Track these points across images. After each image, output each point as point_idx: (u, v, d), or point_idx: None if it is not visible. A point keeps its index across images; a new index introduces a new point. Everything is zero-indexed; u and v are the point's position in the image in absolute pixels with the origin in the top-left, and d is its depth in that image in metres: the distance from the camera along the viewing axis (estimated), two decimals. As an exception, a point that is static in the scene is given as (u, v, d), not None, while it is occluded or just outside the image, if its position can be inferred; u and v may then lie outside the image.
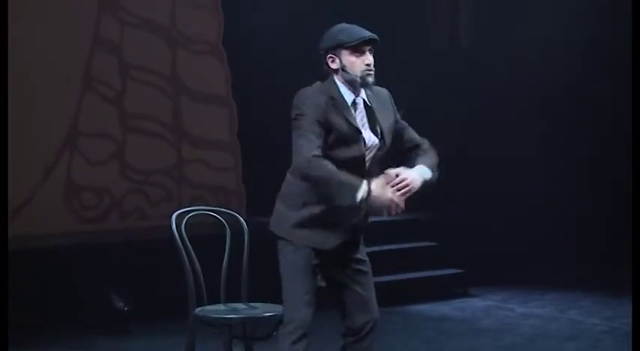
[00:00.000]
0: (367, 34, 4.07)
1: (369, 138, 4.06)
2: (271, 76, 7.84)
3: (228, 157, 8.47)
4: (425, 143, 4.32)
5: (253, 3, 8.36)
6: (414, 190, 4.04)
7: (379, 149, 4.09)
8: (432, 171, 4.22)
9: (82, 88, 7.83)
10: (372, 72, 4.07)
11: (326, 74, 4.12)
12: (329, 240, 4.05)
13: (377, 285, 7.64)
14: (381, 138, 4.09)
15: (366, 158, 4.04)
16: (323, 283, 4.11)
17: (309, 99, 3.98)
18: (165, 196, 8.15)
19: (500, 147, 9.21)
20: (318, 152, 3.88)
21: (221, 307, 4.67)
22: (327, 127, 3.94)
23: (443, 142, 9.47)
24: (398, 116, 4.25)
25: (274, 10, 8.20)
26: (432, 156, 4.28)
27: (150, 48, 8.15)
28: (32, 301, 6.57)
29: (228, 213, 4.84)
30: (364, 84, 4.06)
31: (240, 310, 4.63)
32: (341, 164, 3.91)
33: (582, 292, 7.98)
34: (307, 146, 3.88)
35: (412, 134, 4.30)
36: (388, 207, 3.90)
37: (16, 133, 6.10)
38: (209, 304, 4.66)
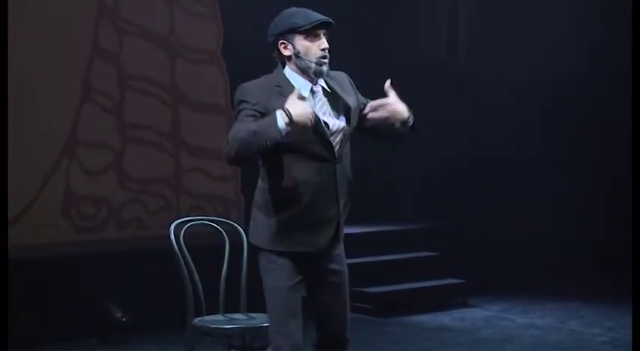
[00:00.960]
0: (323, 16, 3.81)
1: (333, 123, 3.84)
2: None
3: (227, 166, 8.40)
4: None
5: (253, 12, 8.34)
6: (398, 114, 3.95)
7: (346, 132, 3.89)
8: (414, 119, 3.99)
9: (81, 98, 7.81)
10: (326, 59, 3.82)
11: (275, 63, 3.90)
12: (318, 238, 3.86)
13: (377, 295, 7.72)
14: (347, 121, 3.89)
15: (334, 143, 3.83)
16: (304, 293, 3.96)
17: (248, 95, 3.76)
18: (163, 205, 8.12)
19: (501, 158, 9.21)
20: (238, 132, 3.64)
21: (220, 317, 4.65)
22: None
23: (443, 152, 9.57)
24: (361, 97, 4.04)
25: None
26: None
27: (149, 57, 8.13)
28: (29, 311, 6.54)
29: (227, 223, 4.82)
30: (318, 72, 3.81)
31: (239, 320, 4.60)
32: (304, 151, 3.75)
33: (583, 303, 7.96)
34: (230, 133, 3.67)
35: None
36: (311, 115, 3.65)
37: (14, 142, 6.07)
38: (208, 314, 4.64)
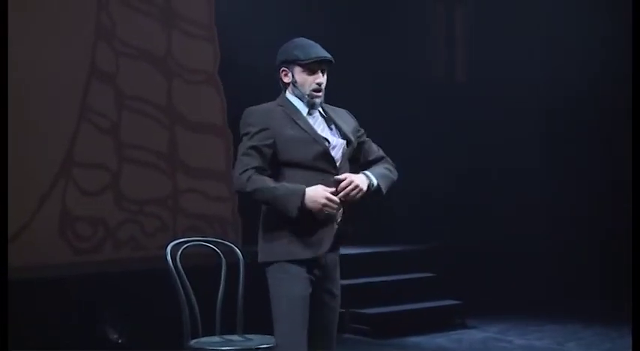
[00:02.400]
0: (322, 53, 4.04)
1: (332, 139, 4.01)
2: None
3: (224, 187, 8.44)
4: (385, 158, 4.23)
5: (250, 33, 8.37)
6: (360, 193, 3.94)
7: (347, 147, 4.04)
8: (380, 180, 4.04)
9: (78, 118, 7.81)
10: (320, 93, 4.04)
11: (279, 86, 4.11)
12: (324, 241, 3.95)
13: (374, 316, 7.70)
14: (345, 138, 4.05)
15: (336, 157, 3.98)
16: None
17: (254, 117, 3.98)
18: (160, 226, 8.10)
19: (498, 179, 9.22)
20: (252, 168, 3.87)
21: (216, 338, 4.62)
22: (279, 139, 3.92)
23: (440, 172, 9.57)
24: (361, 131, 4.21)
25: (271, 39, 8.20)
26: (387, 168, 4.15)
27: (146, 78, 8.14)
28: (25, 332, 6.50)
29: (224, 243, 4.80)
30: (311, 104, 4.03)
31: (235, 341, 4.58)
32: (308, 165, 3.91)
33: (582, 324, 7.93)
34: (241, 165, 3.89)
35: (374, 147, 4.24)
36: (325, 207, 3.84)
37: (12, 163, 6.06)
38: (204, 335, 4.61)
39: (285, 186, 3.87)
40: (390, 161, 4.22)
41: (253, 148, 3.91)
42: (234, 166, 3.95)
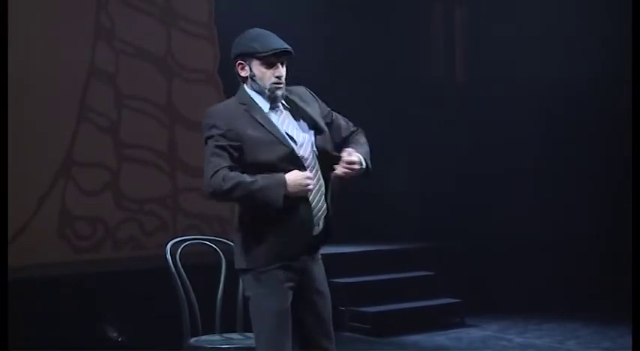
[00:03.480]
0: (282, 45, 3.81)
1: (298, 135, 3.82)
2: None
3: (224, 186, 8.45)
4: (359, 130, 4.08)
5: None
6: (358, 172, 3.85)
7: (317, 139, 3.87)
8: (369, 160, 3.97)
9: (78, 118, 7.81)
10: (281, 84, 3.83)
11: (237, 81, 3.94)
12: (297, 247, 3.78)
13: (374, 314, 7.71)
14: (314, 129, 3.87)
15: (304, 156, 3.80)
16: None
17: (217, 119, 3.79)
18: (159, 225, 8.11)
19: (498, 178, 9.22)
20: (224, 167, 3.68)
21: (216, 337, 4.63)
22: (244, 141, 3.74)
23: (440, 172, 9.57)
24: (324, 107, 4.01)
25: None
26: (365, 142, 4.02)
27: (145, 77, 8.14)
28: (24, 331, 6.50)
29: (223, 242, 4.81)
30: (272, 97, 3.82)
31: (235, 340, 4.58)
32: (274, 167, 3.71)
33: (581, 322, 7.93)
34: (211, 166, 3.70)
35: (342, 122, 4.04)
36: (308, 187, 3.70)
37: (11, 162, 6.06)
38: (204, 334, 4.62)
39: (264, 177, 3.68)
40: (362, 132, 4.07)
41: (221, 148, 3.73)
42: (204, 170, 3.75)
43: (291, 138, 3.81)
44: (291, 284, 3.79)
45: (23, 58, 7.28)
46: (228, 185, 3.68)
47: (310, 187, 3.71)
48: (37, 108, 7.52)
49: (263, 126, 3.77)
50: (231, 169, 3.71)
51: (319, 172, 3.85)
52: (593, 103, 9.01)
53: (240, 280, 3.97)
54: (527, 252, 8.96)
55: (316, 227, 3.82)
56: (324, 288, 3.92)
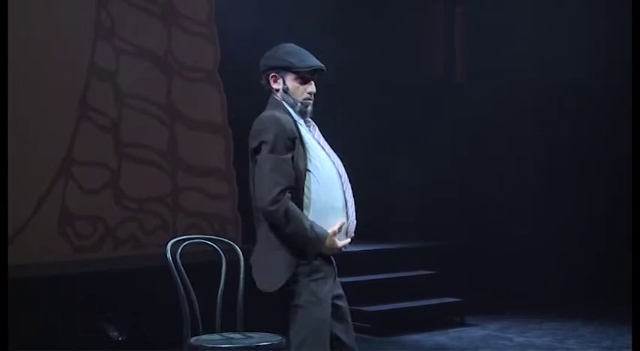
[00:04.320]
0: (318, 63, 3.93)
1: (333, 154, 3.94)
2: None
3: (224, 184, 8.44)
4: None
5: (250, 31, 8.37)
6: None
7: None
8: None
9: (78, 116, 7.81)
10: (311, 101, 3.94)
11: (266, 91, 3.99)
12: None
13: (374, 313, 7.70)
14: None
15: (341, 171, 3.91)
16: None
17: (275, 124, 3.79)
18: (160, 224, 8.10)
19: (499, 177, 9.22)
20: (285, 193, 3.71)
21: (216, 336, 4.62)
22: (302, 147, 3.80)
23: (441, 171, 9.57)
24: None
25: (271, 37, 8.21)
26: None
27: (146, 76, 8.13)
28: (25, 330, 6.50)
29: (224, 241, 4.80)
30: (303, 112, 3.92)
31: (235, 339, 4.58)
32: (324, 185, 3.80)
33: (581, 321, 7.93)
34: (272, 184, 3.72)
35: None
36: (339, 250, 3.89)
37: (11, 161, 6.05)
38: (204, 333, 4.61)
39: (314, 228, 3.76)
40: None
41: (281, 160, 3.74)
42: (260, 181, 3.75)
43: (330, 155, 3.93)
44: (330, 295, 3.91)
45: (23, 57, 7.28)
46: (288, 221, 3.73)
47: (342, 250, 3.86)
48: (38, 107, 7.51)
49: (314, 137, 3.89)
50: (290, 189, 3.74)
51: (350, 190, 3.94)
52: (593, 103, 9.01)
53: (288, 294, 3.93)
54: (528, 251, 8.96)
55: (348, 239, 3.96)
56: (342, 290, 4.06)
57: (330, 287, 3.89)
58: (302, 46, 3.97)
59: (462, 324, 7.95)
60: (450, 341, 7.41)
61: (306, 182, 3.79)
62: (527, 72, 9.21)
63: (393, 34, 9.59)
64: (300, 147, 3.80)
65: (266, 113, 3.88)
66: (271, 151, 3.76)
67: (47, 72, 7.57)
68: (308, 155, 3.80)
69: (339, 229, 3.85)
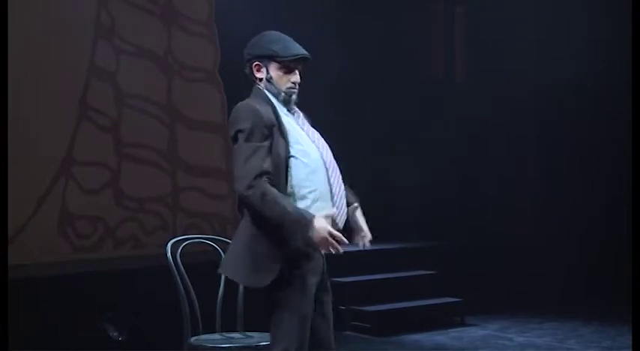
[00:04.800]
0: (302, 51, 3.84)
1: (320, 141, 3.85)
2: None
3: (224, 184, 8.44)
4: None
5: (251, 31, 8.37)
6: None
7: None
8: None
9: (78, 116, 7.81)
10: (295, 90, 3.85)
11: (249, 80, 3.93)
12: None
13: (374, 313, 7.70)
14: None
15: (328, 160, 3.81)
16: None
17: (251, 112, 3.73)
18: (160, 224, 8.10)
19: (499, 177, 9.22)
20: (267, 170, 3.63)
21: (216, 336, 4.63)
22: (281, 135, 3.73)
23: (441, 171, 9.57)
24: None
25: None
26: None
27: (146, 76, 8.13)
28: (25, 330, 6.50)
29: (224, 241, 4.80)
30: (287, 100, 3.84)
31: (235, 339, 4.58)
32: (307, 170, 3.72)
33: (581, 321, 7.93)
34: (249, 168, 3.63)
35: None
36: (326, 244, 3.64)
37: (11, 161, 6.06)
38: (204, 333, 4.62)
39: (298, 211, 3.62)
40: None
41: (257, 147, 3.68)
42: (238, 166, 3.68)
43: (314, 141, 3.84)
44: (314, 289, 3.80)
45: (23, 57, 7.28)
46: (264, 204, 3.60)
47: (331, 250, 3.66)
48: (38, 107, 7.51)
49: (293, 124, 3.80)
50: (267, 175, 3.65)
51: (340, 177, 3.85)
52: (593, 103, 9.01)
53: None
54: (528, 251, 8.96)
55: (339, 226, 3.81)
56: (329, 283, 3.95)
57: (316, 281, 3.81)
58: (302, 46, 3.90)
59: (462, 324, 7.95)
60: (450, 341, 7.41)
61: (288, 169, 3.71)
62: (527, 72, 9.21)
63: (393, 34, 9.59)
64: (279, 135, 3.72)
65: (244, 102, 3.83)
66: (247, 140, 3.70)
67: (47, 72, 7.57)
68: (289, 141, 3.74)
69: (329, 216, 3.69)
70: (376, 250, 8.42)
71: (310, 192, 3.74)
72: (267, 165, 3.66)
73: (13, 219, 6.92)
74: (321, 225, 3.61)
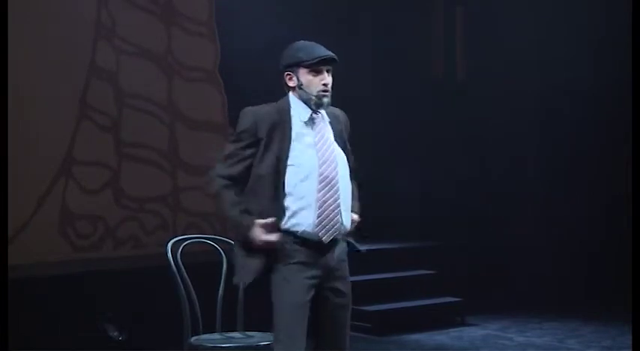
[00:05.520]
0: (326, 53, 3.99)
1: (327, 151, 3.96)
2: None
3: (224, 185, 8.44)
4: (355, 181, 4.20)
5: (251, 31, 8.37)
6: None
7: (349, 161, 4.05)
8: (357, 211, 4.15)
9: (78, 116, 7.81)
10: (328, 93, 4.00)
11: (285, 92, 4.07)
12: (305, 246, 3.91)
13: (375, 313, 7.70)
14: (344, 149, 4.05)
15: (327, 172, 3.92)
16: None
17: (250, 119, 3.96)
18: (160, 224, 8.10)
19: (500, 177, 9.22)
20: (229, 175, 3.92)
21: (217, 336, 4.63)
22: (284, 138, 3.91)
23: (442, 170, 9.57)
24: (347, 140, 4.18)
25: (271, 37, 8.22)
26: (357, 196, 4.17)
27: (146, 76, 8.13)
28: (25, 330, 6.50)
29: (224, 241, 4.80)
30: (319, 104, 3.99)
31: (236, 339, 4.58)
32: (297, 179, 3.88)
33: (582, 321, 7.93)
34: (226, 164, 3.95)
35: (350, 158, 4.18)
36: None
37: (11, 161, 6.06)
38: (204, 332, 4.62)
39: (240, 216, 3.89)
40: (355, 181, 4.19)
41: (239, 151, 3.96)
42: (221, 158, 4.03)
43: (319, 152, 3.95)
44: (312, 281, 3.90)
45: (24, 57, 7.28)
46: (217, 202, 3.98)
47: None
48: (38, 107, 7.51)
49: (288, 137, 3.92)
50: (229, 178, 3.94)
51: (340, 188, 3.93)
52: (593, 101, 9.00)
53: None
54: (528, 251, 8.96)
55: (325, 236, 3.91)
56: (344, 287, 4.07)
57: (311, 275, 3.89)
58: (327, 49, 4.03)
59: (463, 324, 7.95)
60: (450, 341, 7.41)
61: (285, 174, 3.89)
62: (527, 72, 9.20)
63: (393, 33, 9.58)
64: (281, 138, 3.91)
65: (253, 106, 4.03)
66: (233, 141, 3.99)
67: (47, 72, 7.57)
68: (290, 147, 3.90)
69: (267, 224, 3.86)
70: (376, 250, 8.43)
71: (296, 200, 3.88)
72: (233, 170, 3.93)
73: (13, 219, 6.92)
74: (255, 235, 3.85)
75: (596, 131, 9.08)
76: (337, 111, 4.16)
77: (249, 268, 3.90)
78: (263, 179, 3.89)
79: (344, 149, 4.05)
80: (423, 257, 8.55)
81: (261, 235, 3.84)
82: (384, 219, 9.19)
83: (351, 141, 4.17)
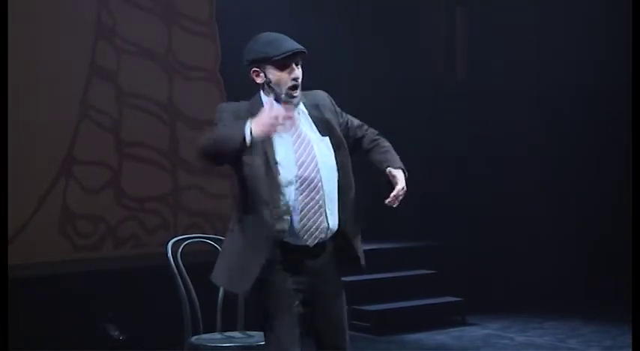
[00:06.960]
0: (294, 46, 3.75)
1: (305, 152, 3.79)
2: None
3: (225, 184, 8.43)
4: (379, 138, 4.19)
5: (251, 30, 8.36)
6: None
7: (338, 155, 3.88)
8: (405, 173, 4.16)
9: (79, 116, 7.81)
10: (297, 89, 3.76)
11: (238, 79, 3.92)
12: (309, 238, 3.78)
13: (375, 313, 7.70)
14: (329, 135, 3.87)
15: (315, 170, 3.78)
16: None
17: (226, 111, 3.81)
18: (160, 223, 8.10)
19: (500, 176, 9.21)
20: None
21: (217, 335, 4.63)
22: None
23: (442, 169, 9.57)
24: (344, 116, 4.05)
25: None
26: (393, 152, 4.16)
27: (147, 75, 8.13)
28: (25, 330, 6.51)
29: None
30: (289, 103, 3.76)
31: (236, 338, 4.59)
32: (279, 184, 3.74)
33: (582, 321, 7.93)
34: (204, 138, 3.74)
35: (355, 123, 4.12)
36: (273, 123, 3.55)
37: (12, 160, 6.06)
38: (205, 332, 4.63)
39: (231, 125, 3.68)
40: (380, 135, 4.16)
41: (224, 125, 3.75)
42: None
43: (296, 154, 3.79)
44: (300, 286, 3.79)
45: (24, 56, 7.28)
46: (209, 139, 3.72)
47: (278, 126, 3.56)
48: (38, 106, 7.51)
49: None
50: None
51: (322, 189, 3.82)
52: (594, 100, 9.00)
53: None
54: (529, 250, 8.96)
55: (309, 240, 3.79)
56: (336, 288, 3.96)
57: (299, 279, 3.78)
58: (303, 46, 3.84)
59: (463, 323, 7.95)
60: (450, 340, 7.41)
61: (271, 178, 3.75)
62: (527, 72, 9.20)
63: (392, 33, 9.58)
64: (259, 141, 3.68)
65: (226, 103, 3.93)
66: (215, 124, 3.81)
67: (48, 71, 7.57)
68: (272, 149, 3.73)
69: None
70: (376, 249, 8.43)
71: (278, 206, 3.77)
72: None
73: (13, 218, 6.92)
74: (261, 118, 3.57)
75: (596, 131, 9.08)
76: (315, 95, 3.94)
77: (243, 275, 3.77)
78: (256, 179, 3.76)
79: (332, 138, 3.87)
80: (423, 257, 8.56)
81: (267, 113, 3.56)
82: (384, 219, 9.19)
83: (343, 113, 4.01)
